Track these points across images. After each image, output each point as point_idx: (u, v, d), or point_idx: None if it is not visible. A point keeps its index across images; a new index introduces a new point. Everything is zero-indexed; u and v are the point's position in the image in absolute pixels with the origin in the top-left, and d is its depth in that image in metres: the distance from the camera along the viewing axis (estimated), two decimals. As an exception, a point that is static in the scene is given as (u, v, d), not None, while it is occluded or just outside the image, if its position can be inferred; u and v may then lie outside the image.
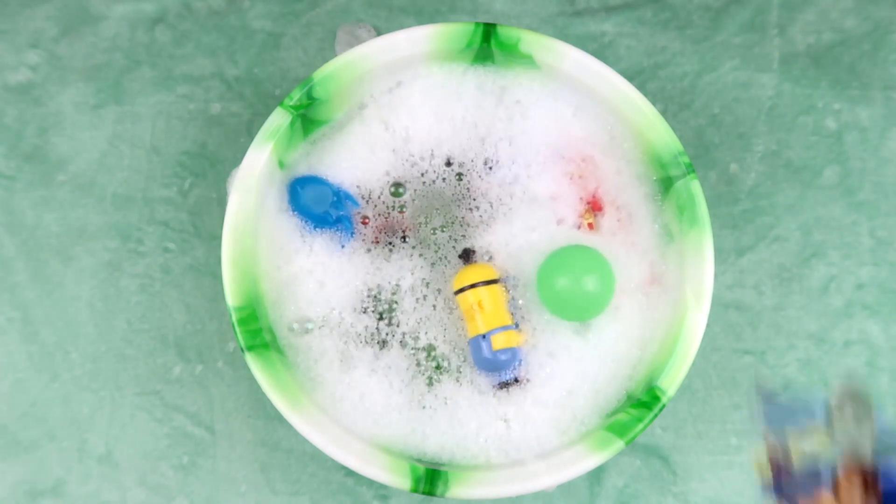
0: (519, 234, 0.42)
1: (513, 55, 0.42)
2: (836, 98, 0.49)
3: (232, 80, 0.49)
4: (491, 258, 0.42)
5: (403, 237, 0.42)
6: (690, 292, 0.40)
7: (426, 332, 0.41)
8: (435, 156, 0.43)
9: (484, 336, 0.40)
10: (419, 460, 0.40)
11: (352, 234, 0.42)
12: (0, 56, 0.48)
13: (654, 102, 0.42)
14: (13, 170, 0.48)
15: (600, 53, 0.48)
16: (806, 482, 0.26)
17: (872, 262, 0.48)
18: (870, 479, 0.25)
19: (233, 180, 0.41)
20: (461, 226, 0.42)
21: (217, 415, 0.46)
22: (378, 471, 0.38)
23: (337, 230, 0.42)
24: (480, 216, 0.42)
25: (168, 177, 0.48)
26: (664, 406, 0.39)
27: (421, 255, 0.42)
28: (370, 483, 0.45)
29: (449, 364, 0.41)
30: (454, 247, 0.42)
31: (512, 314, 0.41)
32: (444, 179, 0.42)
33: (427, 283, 0.42)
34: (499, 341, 0.40)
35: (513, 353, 0.40)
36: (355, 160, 0.42)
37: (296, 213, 0.42)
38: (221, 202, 0.47)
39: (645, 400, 0.39)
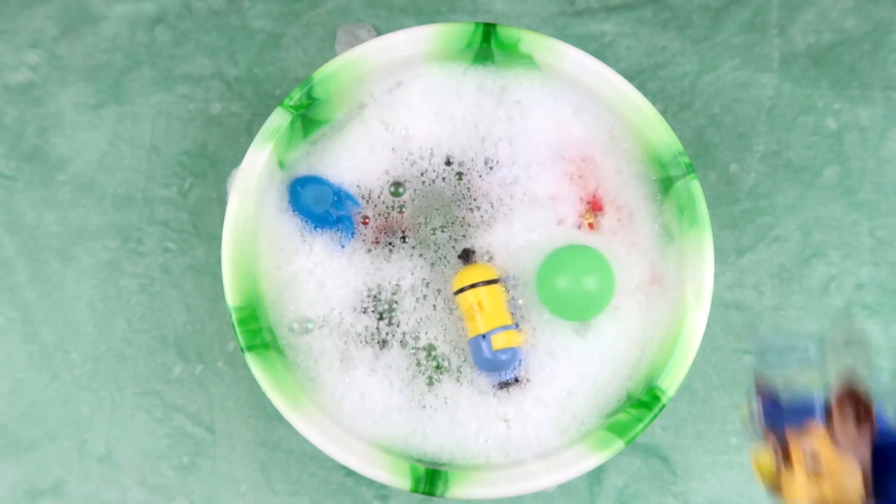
0: (519, 234, 0.42)
1: (513, 55, 0.42)
2: (836, 98, 0.49)
3: (232, 80, 0.49)
4: (491, 258, 0.42)
5: (403, 237, 0.42)
6: (690, 292, 0.40)
7: (426, 332, 0.41)
8: (435, 155, 0.43)
9: (484, 336, 0.40)
10: (419, 460, 0.40)
11: (352, 233, 0.42)
12: (0, 56, 0.48)
13: (654, 102, 0.42)
14: (13, 170, 0.48)
15: (600, 53, 0.48)
16: (795, 412, 0.26)
17: (872, 262, 0.48)
18: (863, 411, 0.25)
19: (233, 180, 0.41)
20: (461, 226, 0.42)
21: (217, 415, 0.46)
22: (378, 471, 0.38)
23: (337, 230, 0.42)
24: (481, 216, 0.42)
25: (168, 177, 0.48)
26: (664, 406, 0.39)
27: (421, 255, 0.42)
28: (370, 483, 0.45)
29: (449, 364, 0.41)
30: (454, 247, 0.42)
31: (512, 314, 0.41)
32: (443, 179, 0.42)
33: (427, 284, 0.42)
34: (499, 341, 0.40)
35: (513, 353, 0.40)
36: (355, 160, 0.42)
37: (296, 213, 0.42)
38: (221, 202, 0.47)
39: (645, 400, 0.39)
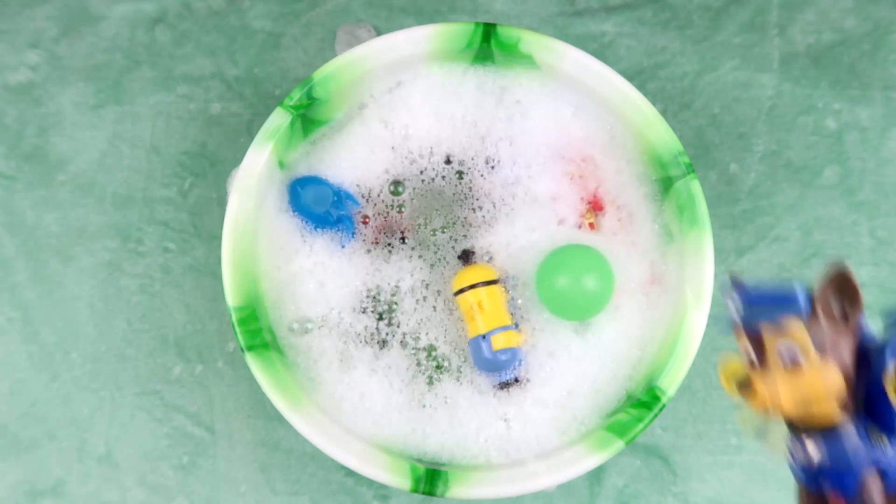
0: (520, 234, 0.42)
1: (513, 55, 0.42)
2: (836, 98, 0.49)
3: (232, 80, 0.49)
4: (491, 258, 0.42)
5: (403, 239, 0.42)
6: (690, 292, 0.40)
7: (427, 333, 0.41)
8: (434, 154, 0.43)
9: (484, 336, 0.40)
10: (419, 460, 0.40)
11: (353, 233, 0.42)
12: (0, 56, 0.48)
13: (654, 102, 0.42)
14: (13, 170, 0.48)
15: (600, 53, 0.48)
16: (773, 306, 0.23)
17: (872, 262, 0.48)
18: (849, 306, 0.23)
19: (233, 180, 0.41)
20: (462, 226, 0.42)
21: (217, 415, 0.46)
22: (378, 471, 0.38)
23: (338, 230, 0.42)
24: (483, 216, 0.42)
25: (168, 177, 0.48)
26: (664, 406, 0.39)
27: (420, 256, 0.42)
28: (370, 483, 0.45)
29: (449, 364, 0.41)
30: (454, 247, 0.42)
31: (512, 314, 0.41)
32: (443, 177, 0.42)
33: (427, 285, 0.42)
34: (499, 341, 0.40)
35: (513, 354, 0.40)
36: (355, 160, 0.42)
37: (296, 213, 0.42)
38: (221, 202, 0.47)
39: (645, 400, 0.39)
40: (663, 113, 0.47)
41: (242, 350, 0.39)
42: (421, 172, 0.42)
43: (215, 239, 0.47)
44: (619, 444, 0.39)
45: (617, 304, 0.41)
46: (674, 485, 0.46)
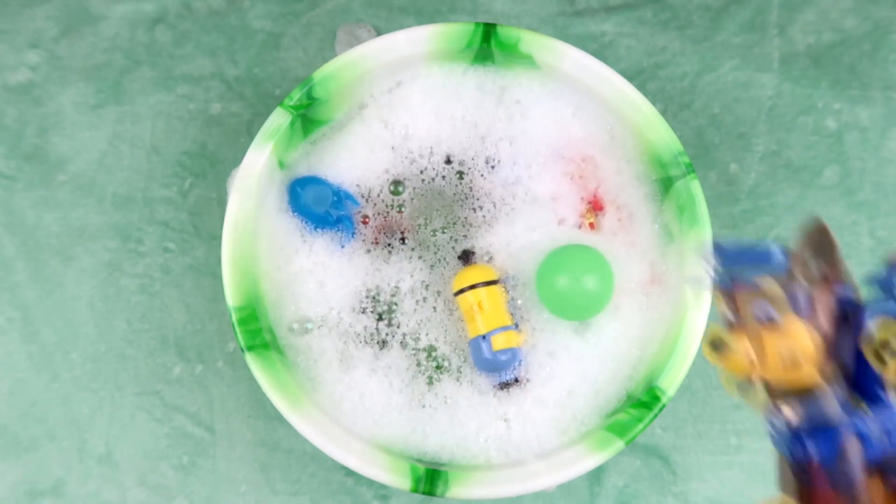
0: (520, 234, 0.42)
1: (513, 55, 0.42)
2: (836, 98, 0.49)
3: (232, 80, 0.49)
4: (491, 259, 0.42)
5: (402, 239, 0.42)
6: (690, 292, 0.40)
7: (427, 334, 0.41)
8: (434, 154, 0.43)
9: (484, 337, 0.40)
10: (419, 460, 0.40)
11: (353, 234, 0.42)
12: (0, 56, 0.48)
13: (654, 102, 0.42)
14: (13, 170, 0.48)
15: (600, 53, 0.48)
16: (749, 266, 0.23)
17: (872, 262, 0.48)
18: (828, 267, 0.22)
19: (233, 180, 0.41)
20: (462, 226, 0.42)
21: (217, 415, 0.46)
22: (378, 471, 0.38)
23: (337, 230, 0.42)
24: (483, 216, 0.42)
25: (168, 177, 0.48)
26: (664, 406, 0.39)
27: (420, 257, 0.42)
28: (370, 483, 0.45)
29: (449, 364, 0.41)
30: (454, 248, 0.42)
31: (512, 314, 0.41)
32: (443, 177, 0.42)
33: (427, 286, 0.42)
34: (499, 342, 0.40)
35: (513, 354, 0.40)
36: (355, 160, 0.42)
37: (296, 213, 0.42)
38: (221, 202, 0.47)
39: (645, 400, 0.39)
40: (663, 113, 0.47)
41: (242, 350, 0.39)
42: (421, 172, 0.42)
43: (215, 239, 0.47)
44: (619, 444, 0.39)
45: (617, 304, 0.41)
46: (674, 485, 0.46)
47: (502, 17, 0.49)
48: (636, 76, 0.49)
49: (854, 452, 0.21)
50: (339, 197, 0.42)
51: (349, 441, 0.39)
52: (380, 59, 0.41)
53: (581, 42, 0.48)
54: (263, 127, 0.41)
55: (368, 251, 0.42)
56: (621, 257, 0.42)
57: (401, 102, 0.43)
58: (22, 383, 0.46)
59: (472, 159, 0.43)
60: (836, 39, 0.49)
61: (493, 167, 0.42)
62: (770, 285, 0.22)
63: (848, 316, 0.22)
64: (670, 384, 0.39)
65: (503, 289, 0.41)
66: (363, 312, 0.41)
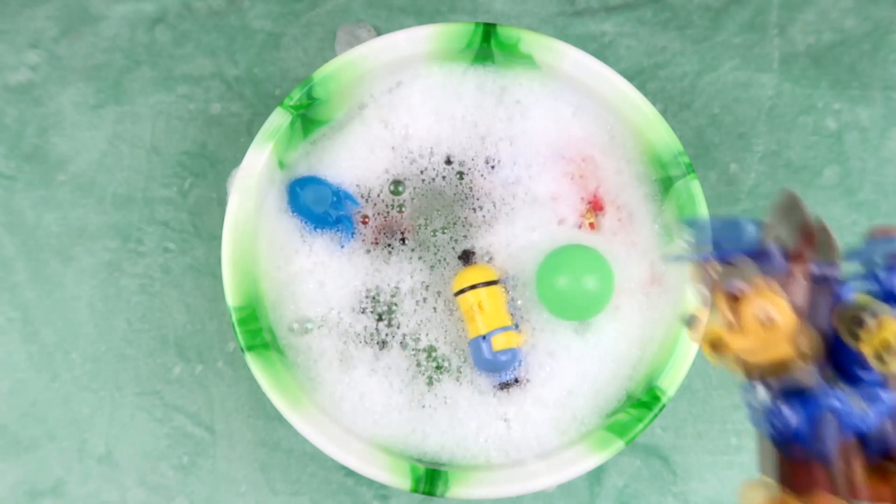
0: (520, 234, 0.42)
1: (513, 55, 0.42)
2: (836, 98, 0.49)
3: (232, 80, 0.49)
4: (491, 259, 0.42)
5: (403, 240, 0.42)
6: (690, 292, 0.40)
7: (427, 334, 0.41)
8: (435, 154, 0.43)
9: (484, 337, 0.40)
10: (419, 460, 0.40)
11: (352, 234, 0.42)
12: (0, 56, 0.48)
13: (654, 102, 0.42)
14: (13, 170, 0.48)
15: (600, 53, 0.48)
16: (723, 243, 0.23)
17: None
18: (804, 249, 0.22)
19: (233, 180, 0.41)
20: (463, 226, 0.42)
21: (217, 415, 0.46)
22: (378, 471, 0.38)
23: (337, 230, 0.42)
24: (483, 216, 0.42)
25: (168, 177, 0.48)
26: (664, 406, 0.39)
27: (420, 258, 0.42)
28: (370, 483, 0.45)
29: (449, 364, 0.41)
30: (454, 248, 0.42)
31: (512, 315, 0.41)
32: (443, 177, 0.42)
33: (427, 287, 0.42)
34: (499, 342, 0.40)
35: (513, 354, 0.40)
36: (355, 160, 0.42)
37: (295, 214, 0.42)
38: (221, 202, 0.47)
39: (645, 400, 0.39)
40: (663, 113, 0.47)
41: (242, 350, 0.39)
42: (421, 172, 0.42)
43: (215, 239, 0.47)
44: (619, 444, 0.39)
45: (617, 304, 0.41)
46: (674, 485, 0.46)
47: (502, 17, 0.49)
48: (636, 76, 0.49)
49: (831, 429, 0.21)
50: (339, 197, 0.42)
51: (349, 441, 0.39)
52: (380, 59, 0.41)
53: (581, 42, 0.48)
54: (263, 127, 0.40)
55: (368, 251, 0.42)
56: (621, 257, 0.42)
57: (401, 102, 0.43)
58: (22, 383, 0.46)
59: (472, 159, 0.43)
60: (836, 39, 0.49)
61: (492, 167, 0.42)
62: (743, 261, 0.22)
63: (826, 291, 0.22)
64: (670, 384, 0.39)
65: (503, 289, 0.41)
66: (363, 313, 0.41)
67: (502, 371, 0.41)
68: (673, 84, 0.49)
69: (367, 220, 0.42)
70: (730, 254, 0.22)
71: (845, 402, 0.21)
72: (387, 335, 0.41)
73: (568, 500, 0.46)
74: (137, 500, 0.45)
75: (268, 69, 0.49)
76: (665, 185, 0.42)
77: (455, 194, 0.42)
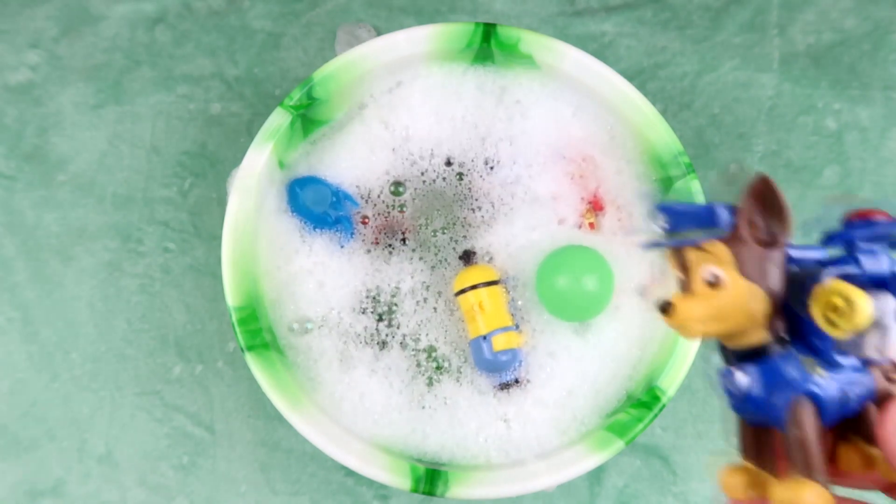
0: (520, 233, 0.42)
1: (513, 55, 0.42)
2: (836, 98, 0.49)
3: (232, 80, 0.49)
4: (491, 259, 0.42)
5: (403, 239, 0.42)
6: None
7: (427, 334, 0.41)
8: (435, 155, 0.43)
9: (485, 337, 0.40)
10: (419, 460, 0.40)
11: (351, 234, 0.42)
12: (0, 56, 0.48)
13: (654, 102, 0.42)
14: (13, 170, 0.48)
15: (600, 53, 0.48)
16: (696, 225, 0.22)
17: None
18: (777, 229, 0.22)
19: (233, 180, 0.41)
20: (462, 226, 0.42)
21: (217, 415, 0.46)
22: (378, 471, 0.38)
23: (336, 230, 0.42)
24: (482, 216, 0.42)
25: (168, 177, 0.48)
26: (664, 406, 0.39)
27: (421, 258, 0.42)
28: (370, 483, 0.45)
29: (449, 364, 0.41)
30: (454, 248, 0.42)
31: (512, 315, 0.41)
32: (444, 179, 0.42)
33: (427, 287, 0.42)
34: (499, 342, 0.40)
35: (513, 354, 0.40)
36: (355, 160, 0.42)
37: (295, 214, 0.42)
38: (221, 202, 0.47)
39: (645, 400, 0.39)
40: (663, 113, 0.47)
41: (242, 350, 0.39)
42: (422, 174, 0.42)
43: (215, 239, 0.47)
44: (619, 444, 0.39)
45: (617, 304, 0.41)
46: (674, 485, 0.46)
47: (502, 17, 0.49)
48: (636, 76, 0.49)
49: (806, 413, 0.21)
50: (339, 197, 0.42)
51: (349, 441, 0.39)
52: (380, 59, 0.41)
53: (581, 42, 0.48)
54: (263, 127, 0.40)
55: (369, 251, 0.42)
56: (621, 257, 0.42)
57: (401, 102, 0.43)
58: (22, 383, 0.46)
59: (472, 160, 0.43)
60: (836, 39, 0.49)
61: (492, 168, 0.42)
62: (715, 245, 0.22)
63: (804, 277, 0.22)
64: (670, 384, 0.39)
65: (504, 289, 0.41)
66: (363, 313, 0.41)
67: (503, 371, 0.41)
68: (673, 84, 0.49)
69: (366, 220, 0.42)
70: (703, 239, 0.22)
71: (823, 386, 0.21)
72: (387, 335, 0.41)
73: (568, 500, 0.46)
74: (137, 500, 0.46)
75: (268, 69, 0.49)
76: (665, 185, 0.42)
77: (454, 195, 0.42)
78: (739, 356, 0.22)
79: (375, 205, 0.42)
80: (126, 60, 0.49)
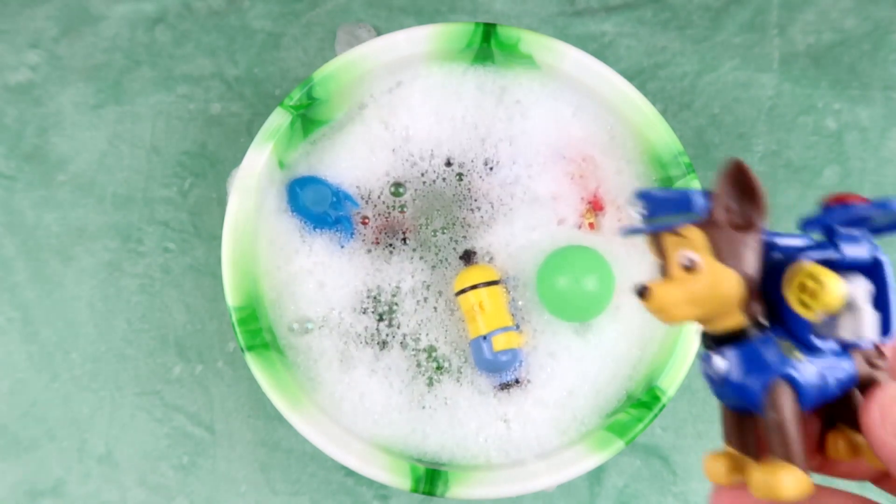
0: (520, 234, 0.42)
1: (513, 55, 0.42)
2: (836, 98, 0.49)
3: (232, 80, 0.49)
4: (492, 259, 0.42)
5: (404, 239, 0.42)
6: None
7: (427, 334, 0.41)
8: (435, 156, 0.43)
9: (485, 337, 0.40)
10: (419, 460, 0.40)
11: (351, 234, 0.42)
12: (0, 56, 0.48)
13: (654, 102, 0.42)
14: (13, 170, 0.48)
15: (600, 53, 0.48)
16: (673, 211, 0.22)
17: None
18: (752, 214, 0.21)
19: (233, 180, 0.41)
20: (462, 227, 0.42)
21: (217, 415, 0.46)
22: (378, 471, 0.38)
23: (337, 230, 0.42)
24: (481, 217, 0.42)
25: (168, 177, 0.48)
26: (664, 406, 0.39)
27: (422, 257, 0.42)
28: (370, 483, 0.45)
29: (450, 365, 0.41)
30: (455, 248, 0.42)
31: (513, 315, 0.41)
32: (444, 179, 0.42)
33: (428, 286, 0.42)
34: (500, 342, 0.40)
35: (514, 355, 0.40)
36: (355, 160, 0.42)
37: (295, 213, 0.42)
38: (221, 202, 0.47)
39: (645, 400, 0.39)
40: (663, 113, 0.47)
41: (242, 350, 0.39)
42: (422, 175, 0.42)
43: (215, 239, 0.47)
44: (619, 444, 0.39)
45: (617, 304, 0.41)
46: (674, 485, 0.46)
47: (502, 17, 0.49)
48: (636, 76, 0.49)
49: (784, 395, 0.21)
50: (339, 198, 0.42)
51: (349, 441, 0.39)
52: (380, 59, 0.41)
53: (581, 42, 0.48)
54: (263, 127, 0.40)
55: (369, 251, 0.42)
56: (621, 257, 0.42)
57: (401, 102, 0.43)
58: (22, 383, 0.46)
59: (472, 161, 0.43)
60: (836, 39, 0.49)
61: (491, 168, 0.42)
62: (690, 230, 0.22)
63: (781, 261, 0.22)
64: (670, 384, 0.39)
65: (504, 289, 0.41)
66: (364, 313, 0.41)
67: (503, 371, 0.41)
68: (673, 84, 0.49)
69: (366, 220, 0.42)
70: (679, 224, 0.22)
71: (802, 371, 0.21)
72: (387, 335, 0.41)
73: (568, 500, 0.46)
74: (137, 500, 0.46)
75: (268, 69, 0.49)
76: (665, 185, 0.42)
77: (454, 195, 0.42)
78: (718, 340, 0.22)
79: (376, 205, 0.42)
80: (126, 60, 0.49)
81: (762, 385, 0.21)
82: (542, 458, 0.39)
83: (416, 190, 0.42)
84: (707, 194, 0.22)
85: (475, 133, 0.43)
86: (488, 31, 0.41)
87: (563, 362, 0.41)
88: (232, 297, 0.39)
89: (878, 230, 0.22)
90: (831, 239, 0.22)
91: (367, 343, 0.41)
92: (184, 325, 0.47)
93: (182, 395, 0.46)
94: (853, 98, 0.49)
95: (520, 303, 0.41)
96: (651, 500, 0.46)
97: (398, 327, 0.41)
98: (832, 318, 0.21)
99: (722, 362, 0.22)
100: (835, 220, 0.22)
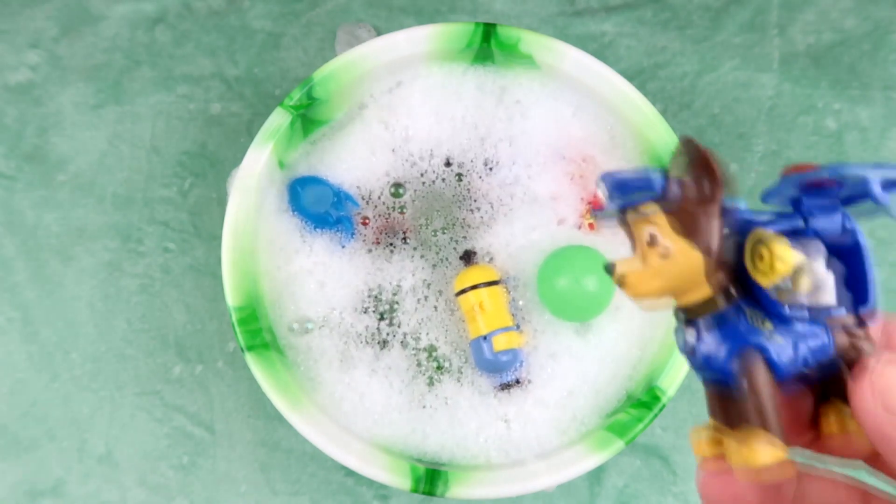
0: (519, 234, 0.42)
1: (513, 55, 0.42)
2: (836, 98, 0.49)
3: (232, 80, 0.49)
4: (492, 259, 0.42)
5: (404, 238, 0.42)
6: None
7: (427, 333, 0.41)
8: (435, 156, 0.43)
9: (485, 337, 0.40)
10: (419, 460, 0.40)
11: (352, 234, 0.42)
12: (0, 56, 0.48)
13: (654, 102, 0.42)
14: (13, 170, 0.48)
15: (600, 53, 0.48)
16: (636, 191, 0.23)
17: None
18: (710, 185, 0.21)
19: (233, 180, 0.41)
20: (462, 227, 0.42)
21: (217, 415, 0.46)
22: (378, 471, 0.38)
23: (337, 230, 0.42)
24: (481, 217, 0.42)
25: (168, 177, 0.48)
26: (664, 406, 0.39)
27: (422, 256, 0.42)
28: (370, 483, 0.45)
29: (450, 364, 0.41)
30: (455, 248, 0.42)
31: (513, 315, 0.41)
32: (443, 180, 0.42)
33: (428, 285, 0.42)
34: (500, 342, 0.40)
35: (514, 355, 0.40)
36: (355, 160, 0.42)
37: (296, 213, 0.42)
38: (221, 202, 0.47)
39: (645, 400, 0.39)
40: (663, 113, 0.47)
41: (242, 350, 0.39)
42: (421, 175, 0.42)
43: (215, 239, 0.47)
44: (619, 444, 0.39)
45: (617, 304, 0.41)
46: (674, 485, 0.46)
47: (502, 17, 0.49)
48: (636, 76, 0.49)
49: (755, 363, 0.21)
50: (339, 197, 0.42)
51: (349, 441, 0.39)
52: (380, 59, 0.41)
53: (581, 42, 0.48)
54: (263, 127, 0.40)
55: (370, 251, 0.42)
56: (621, 257, 0.42)
57: (401, 102, 0.43)
58: (22, 383, 0.46)
59: (472, 161, 0.43)
60: (836, 39, 0.49)
61: (491, 168, 0.42)
62: (649, 207, 0.22)
63: (741, 232, 0.22)
64: (670, 384, 0.39)
65: (504, 289, 0.41)
66: (364, 312, 0.41)
67: (503, 372, 0.41)
68: (673, 84, 0.49)
69: (367, 221, 0.42)
70: (640, 199, 0.23)
71: (773, 342, 0.21)
72: (388, 335, 0.41)
73: (568, 500, 0.46)
74: (137, 500, 0.46)
75: (268, 69, 0.49)
76: (665, 185, 0.42)
77: (454, 196, 0.42)
78: (692, 314, 0.22)
79: (376, 206, 0.42)
80: (126, 60, 0.49)
81: (732, 354, 0.21)
82: (542, 458, 0.39)
83: (415, 190, 0.42)
84: (665, 172, 0.22)
85: (475, 133, 0.43)
86: (488, 31, 0.41)
87: (563, 362, 0.41)
88: (232, 297, 0.39)
89: (848, 201, 0.23)
90: (797, 209, 0.22)
91: (367, 343, 0.41)
92: (184, 325, 0.47)
93: (182, 395, 0.46)
94: (853, 98, 0.49)
95: (520, 303, 0.41)
96: (651, 500, 0.46)
97: (399, 326, 0.41)
98: (786, 283, 0.21)
99: (691, 334, 0.22)
100: (791, 187, 0.22)
